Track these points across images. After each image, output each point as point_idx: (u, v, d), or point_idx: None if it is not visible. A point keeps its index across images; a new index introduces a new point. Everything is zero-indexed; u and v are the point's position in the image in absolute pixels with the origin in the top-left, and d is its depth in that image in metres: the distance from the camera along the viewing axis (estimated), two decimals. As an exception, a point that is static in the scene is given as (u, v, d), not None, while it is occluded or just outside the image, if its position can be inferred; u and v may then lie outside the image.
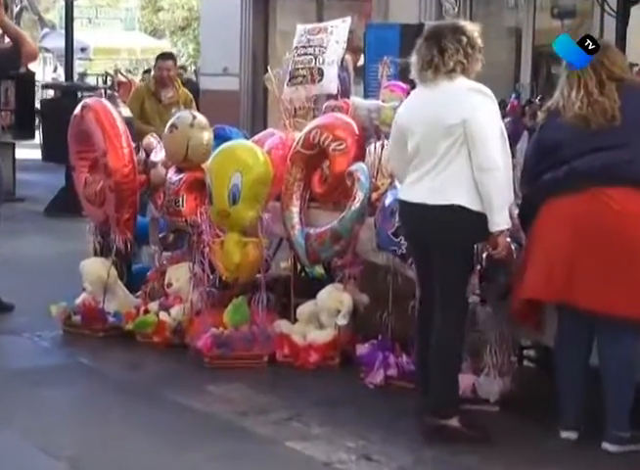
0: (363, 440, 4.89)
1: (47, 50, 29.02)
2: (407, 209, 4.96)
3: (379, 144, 6.10)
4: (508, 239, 4.85)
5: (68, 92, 12.69)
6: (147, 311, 6.44)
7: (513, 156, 5.43)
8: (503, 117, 5.50)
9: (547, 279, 4.70)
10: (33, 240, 10.02)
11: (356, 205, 5.83)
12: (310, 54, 6.82)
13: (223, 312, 6.12)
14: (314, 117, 6.59)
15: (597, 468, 4.66)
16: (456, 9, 12.11)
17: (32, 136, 13.59)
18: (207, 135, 6.46)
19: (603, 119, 4.67)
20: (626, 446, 4.71)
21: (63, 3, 15.27)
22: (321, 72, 6.76)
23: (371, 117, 6.11)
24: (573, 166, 4.66)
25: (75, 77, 16.66)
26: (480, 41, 4.86)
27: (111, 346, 6.38)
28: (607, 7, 9.37)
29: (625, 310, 4.61)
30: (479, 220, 4.73)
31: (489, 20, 12.58)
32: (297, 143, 6.19)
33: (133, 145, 6.77)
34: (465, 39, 4.81)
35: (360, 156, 6.06)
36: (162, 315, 6.35)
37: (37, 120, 14.58)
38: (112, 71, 21.97)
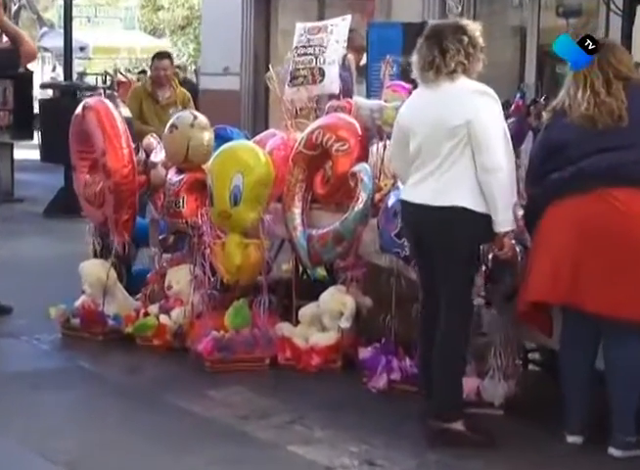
0: (366, 444, 4.89)
1: (46, 49, 29.03)
2: (409, 210, 4.96)
3: (382, 144, 6.09)
4: (513, 240, 4.85)
5: (67, 92, 12.68)
6: (147, 314, 6.44)
7: (517, 156, 5.44)
8: (508, 117, 5.50)
9: (553, 281, 4.70)
10: (32, 241, 10.02)
11: (359, 206, 5.83)
12: (310, 54, 6.82)
13: (224, 315, 6.12)
14: (316, 117, 6.59)
15: (603, 473, 4.67)
16: (460, 7, 12.11)
17: (31, 136, 13.59)
18: (208, 135, 6.46)
19: (610, 120, 4.66)
20: (632, 451, 4.71)
21: (61, 2, 15.30)
22: (322, 73, 6.76)
23: (373, 117, 6.11)
24: (580, 167, 4.65)
25: (74, 77, 16.65)
26: (481, 41, 4.86)
27: (110, 349, 6.38)
28: (612, 5, 9.37)
29: (632, 313, 4.60)
30: (482, 222, 4.73)
31: (493, 18, 12.58)
32: (300, 143, 6.19)
33: (133, 145, 6.77)
34: (466, 39, 4.81)
35: (363, 156, 6.06)
36: (163, 318, 6.35)
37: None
38: (111, 71, 22.02)
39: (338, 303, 5.93)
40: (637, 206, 4.61)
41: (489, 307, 5.20)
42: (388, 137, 5.55)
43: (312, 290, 6.26)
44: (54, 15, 33.72)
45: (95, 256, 6.83)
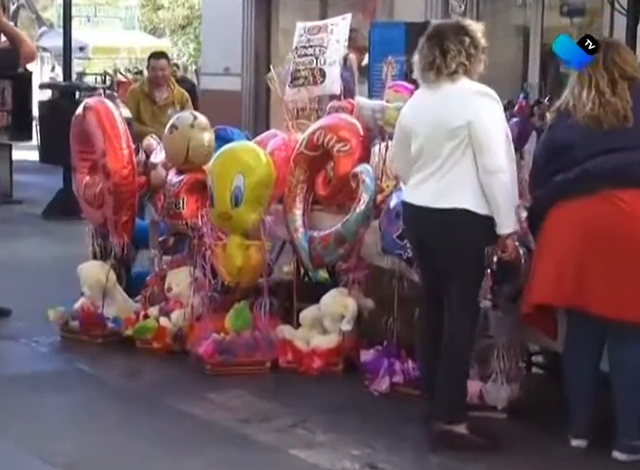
0: (368, 447, 4.89)
1: (45, 49, 29.02)
2: (411, 212, 4.97)
3: (384, 145, 6.09)
4: (516, 242, 4.86)
5: (67, 92, 12.68)
6: (147, 317, 6.44)
7: (521, 157, 5.45)
8: (511, 117, 5.51)
9: (557, 283, 4.70)
10: (31, 243, 10.03)
11: (361, 207, 5.83)
12: (311, 54, 6.82)
13: (225, 318, 6.12)
14: (318, 117, 6.59)
15: (607, 477, 4.67)
16: (462, 7, 12.11)
17: (30, 137, 13.59)
18: (208, 136, 6.47)
19: (615, 120, 4.66)
20: (637, 455, 4.70)
21: (61, 1, 15.30)
22: (323, 73, 6.76)
23: (375, 117, 6.11)
24: (585, 168, 4.65)
25: (74, 77, 16.66)
26: (483, 41, 4.87)
27: (109, 352, 6.38)
28: (617, 5, 9.36)
29: (637, 315, 4.60)
30: (485, 224, 4.74)
31: (496, 18, 12.57)
32: (301, 144, 6.19)
33: (133, 146, 6.77)
34: (468, 40, 4.82)
35: (365, 157, 6.06)
36: (163, 321, 6.35)
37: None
38: (111, 71, 22.02)
39: (339, 305, 5.93)
40: (643, 207, 4.61)
41: (496, 310, 5.20)
42: (390, 138, 5.55)
43: (314, 292, 6.26)
44: (53, 14, 33.74)
45: (94, 257, 6.83)
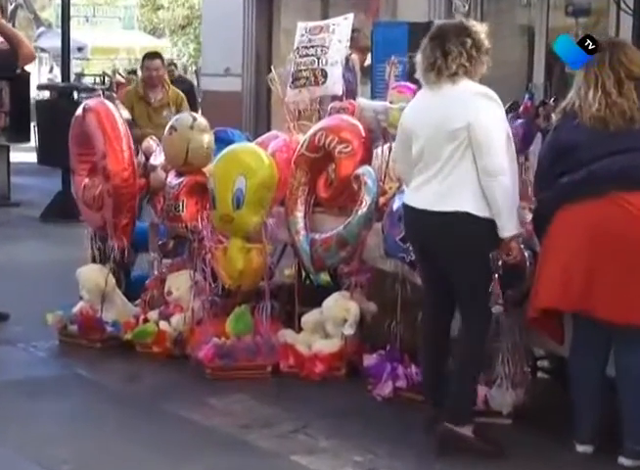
0: (371, 453, 4.89)
1: (43, 50, 29.06)
2: (411, 214, 4.98)
3: (386, 147, 6.09)
4: (522, 245, 4.85)
5: (65, 93, 12.69)
6: (146, 321, 6.44)
7: (526, 158, 5.44)
8: (516, 118, 5.51)
9: (563, 288, 4.69)
10: (29, 246, 10.03)
11: (363, 209, 5.83)
12: (312, 55, 6.82)
13: (225, 322, 6.12)
14: (319, 118, 6.59)
15: (613, 483, 4.67)
16: (466, 7, 12.10)
17: (28, 139, 13.61)
18: (208, 138, 6.47)
19: (621, 121, 4.66)
20: (644, 461, 4.71)
21: (59, 1, 15.29)
22: (324, 74, 6.76)
23: (378, 118, 6.11)
24: (591, 170, 4.64)
25: (72, 78, 16.67)
26: (486, 43, 4.88)
27: (109, 356, 6.38)
28: (623, 4, 9.36)
29: (644, 320, 4.60)
30: (487, 227, 4.74)
31: (501, 17, 12.57)
32: (302, 146, 6.19)
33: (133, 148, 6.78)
34: (469, 41, 4.82)
35: (367, 159, 6.06)
36: (162, 325, 6.35)
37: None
38: (110, 72, 22.04)
39: (341, 309, 5.93)
40: (650, 210, 4.60)
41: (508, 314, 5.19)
42: (394, 139, 5.55)
43: (315, 296, 6.25)
44: (51, 14, 33.77)
45: (93, 261, 6.83)
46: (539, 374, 5.88)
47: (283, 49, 14.44)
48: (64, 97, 12.58)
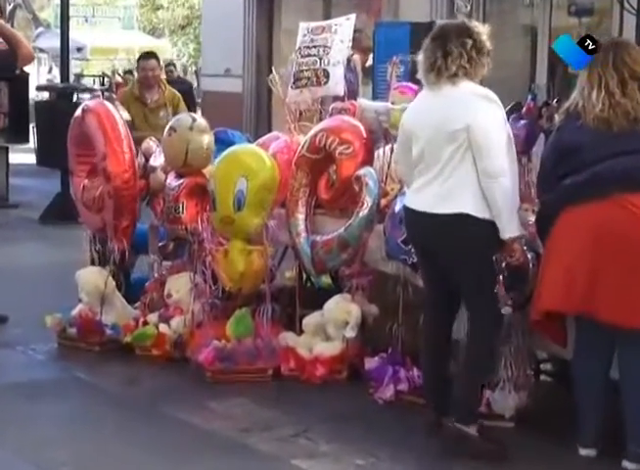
0: (372, 457, 4.89)
1: (42, 50, 29.10)
2: (412, 217, 4.99)
3: (387, 148, 6.10)
4: (525, 247, 4.86)
5: (64, 94, 12.69)
6: (146, 323, 6.44)
7: (529, 160, 5.44)
8: (519, 119, 5.51)
9: (567, 290, 4.69)
10: (28, 248, 10.03)
11: (364, 211, 5.83)
12: (314, 55, 6.82)
13: (226, 324, 6.12)
14: (320, 119, 6.60)
15: (617, 487, 4.67)
16: (468, 6, 12.11)
17: (26, 140, 13.62)
18: (208, 139, 6.47)
19: (625, 122, 4.66)
20: (647, 465, 4.71)
21: (58, 1, 15.30)
22: (326, 74, 6.76)
23: (379, 119, 6.11)
24: (595, 172, 4.64)
25: (71, 79, 16.68)
26: (488, 44, 4.88)
27: (108, 359, 6.38)
28: (626, 4, 9.37)
29: (648, 322, 4.60)
30: (487, 228, 4.75)
31: (503, 18, 12.58)
32: (303, 147, 6.19)
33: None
34: (470, 42, 4.83)
35: (368, 160, 6.06)
36: (162, 327, 6.35)
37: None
38: (109, 72, 22.06)
39: (343, 311, 5.93)
40: (654, 212, 4.60)
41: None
42: (395, 140, 5.56)
43: (316, 298, 6.26)
44: (50, 14, 33.80)
45: (93, 263, 6.83)
46: (542, 377, 5.88)
47: (284, 49, 14.45)
48: (63, 98, 12.58)
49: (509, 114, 5.55)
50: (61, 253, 9.04)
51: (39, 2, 36.02)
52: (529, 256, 4.93)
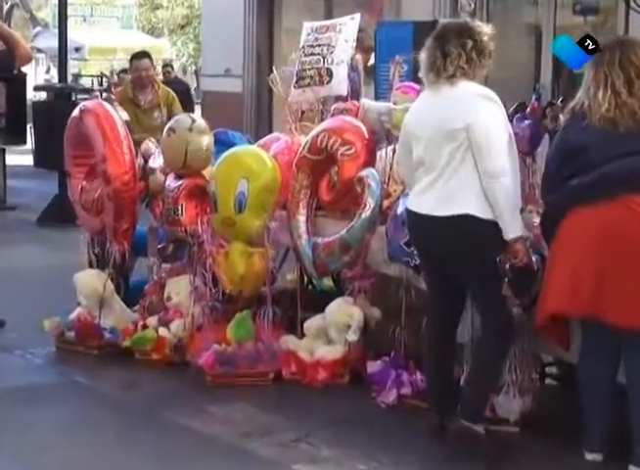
0: (375, 462, 4.89)
1: (39, 50, 29.13)
2: (414, 219, 5.00)
3: (390, 149, 6.10)
4: (530, 249, 4.86)
5: (62, 94, 12.70)
6: (145, 327, 6.44)
7: (533, 160, 5.45)
8: (523, 119, 5.51)
9: (573, 293, 4.68)
10: (25, 251, 10.03)
11: (367, 213, 5.83)
12: (318, 54, 6.82)
13: (226, 328, 6.12)
14: (322, 119, 6.60)
15: (623, 492, 4.67)
16: (472, 5, 12.11)
17: (24, 141, 13.62)
18: (207, 140, 6.47)
19: (632, 122, 4.65)
20: (655, 470, 4.70)
21: (56, 0, 15.31)
22: (330, 73, 6.76)
23: (381, 119, 6.11)
24: (601, 172, 4.63)
25: (69, 79, 16.70)
26: (489, 46, 4.89)
27: (107, 363, 6.38)
28: (632, 3, 9.37)
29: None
30: (491, 229, 4.75)
31: (507, 16, 12.58)
32: (304, 148, 6.19)
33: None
34: (470, 43, 4.84)
35: (370, 161, 6.06)
36: (162, 331, 6.35)
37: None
38: (107, 72, 22.08)
39: (345, 314, 5.93)
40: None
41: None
42: (397, 141, 5.56)
43: (318, 301, 6.26)
44: (48, 14, 33.85)
45: (91, 266, 6.84)
46: (547, 381, 5.88)
47: (284, 49, 14.45)
48: (61, 98, 12.60)
49: (513, 114, 5.56)
50: (59, 255, 9.04)
51: (37, 1, 36.06)
52: (534, 258, 4.93)
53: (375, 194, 5.82)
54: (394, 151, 5.98)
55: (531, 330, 5.05)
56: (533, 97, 5.72)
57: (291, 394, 5.84)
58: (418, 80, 5.42)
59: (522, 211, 4.95)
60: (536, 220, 5.06)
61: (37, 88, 16.56)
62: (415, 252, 5.30)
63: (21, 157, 15.25)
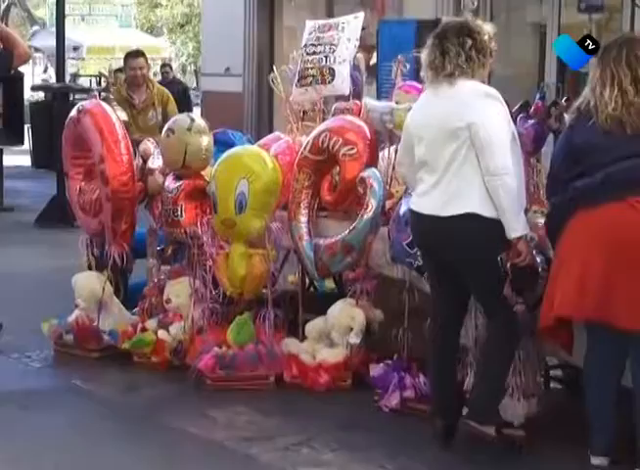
0: (378, 467, 4.89)
1: (37, 49, 29.14)
2: (419, 220, 4.99)
3: (392, 148, 6.09)
4: (533, 251, 4.85)
5: (60, 94, 12.71)
6: (144, 330, 6.44)
7: (538, 160, 5.44)
8: (527, 118, 5.51)
9: (579, 296, 4.66)
10: (23, 252, 10.03)
11: (369, 214, 5.82)
12: (320, 52, 6.81)
13: (226, 330, 6.12)
14: (323, 119, 6.59)
15: (630, 497, 4.66)
16: (475, 3, 12.11)
17: (21, 142, 13.63)
18: (206, 140, 6.47)
19: (639, 122, 4.64)
20: (661, 474, 4.69)
21: (54, -1, 15.32)
22: (332, 72, 6.75)
23: (383, 119, 6.10)
24: (608, 173, 4.61)
25: (67, 78, 16.70)
26: (490, 45, 4.89)
27: (105, 367, 6.38)
28: (637, 0, 9.36)
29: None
30: (495, 227, 4.75)
31: (511, 15, 12.58)
32: (305, 148, 6.19)
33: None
34: (470, 42, 4.84)
35: (372, 161, 6.06)
36: (161, 334, 6.35)
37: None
38: (106, 72, 22.08)
39: (347, 317, 5.93)
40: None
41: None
42: (400, 141, 5.55)
43: (320, 303, 6.26)
44: (45, 13, 33.87)
45: (90, 268, 6.83)
46: (552, 384, 5.87)
47: (285, 48, 14.46)
48: (59, 98, 12.60)
49: (517, 113, 5.55)
50: (57, 257, 9.05)
51: (34, 0, 36.08)
52: (539, 259, 4.93)
53: (377, 195, 5.82)
54: (397, 151, 5.97)
55: (536, 332, 5.04)
56: (538, 96, 5.71)
57: (292, 397, 5.84)
58: (421, 79, 5.42)
59: (526, 211, 4.95)
60: (541, 221, 5.06)
61: (35, 88, 16.57)
62: (418, 253, 5.30)
63: (18, 157, 15.26)
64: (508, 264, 4.82)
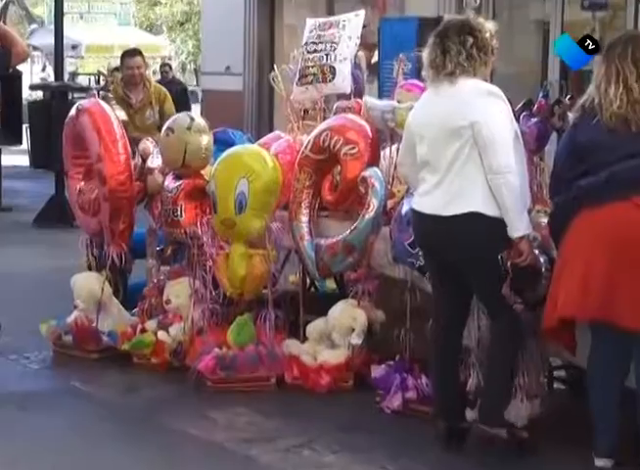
0: (380, 468, 4.88)
1: (35, 48, 29.13)
2: (421, 220, 5.00)
3: (394, 148, 6.09)
4: (536, 251, 4.85)
5: (59, 93, 12.71)
6: (144, 330, 6.44)
7: (541, 159, 5.44)
8: (531, 117, 5.51)
9: (583, 296, 4.66)
10: (21, 252, 10.03)
11: (370, 214, 5.82)
12: (321, 51, 6.81)
13: (227, 331, 6.12)
14: (324, 118, 6.59)
15: (634, 499, 4.67)
16: (478, 1, 12.11)
17: (20, 141, 13.64)
18: (206, 139, 6.47)
19: (644, 120, 4.64)
20: (666, 476, 4.70)
21: (52, -3, 15.32)
22: (333, 71, 6.75)
23: (385, 118, 6.10)
24: (613, 172, 4.61)
25: (66, 77, 16.69)
26: (492, 43, 4.89)
27: (105, 368, 6.38)
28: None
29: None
30: (498, 226, 4.75)
31: (514, 12, 12.58)
32: (306, 147, 6.19)
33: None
34: (470, 40, 4.85)
35: (374, 160, 6.06)
36: (161, 335, 6.35)
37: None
38: (105, 71, 22.08)
39: (348, 317, 5.93)
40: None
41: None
42: (402, 140, 5.56)
43: (321, 304, 6.26)
44: (44, 11, 33.88)
45: (89, 268, 6.83)
46: (556, 385, 5.87)
47: (286, 46, 14.46)
48: (57, 97, 12.60)
49: (520, 111, 5.56)
50: (55, 257, 9.05)
51: (32, -2, 36.10)
52: (542, 259, 4.92)
53: (379, 194, 5.82)
54: (399, 150, 5.97)
55: (539, 333, 5.04)
56: (541, 94, 5.71)
57: (293, 399, 5.84)
58: (422, 78, 5.42)
59: (529, 211, 4.95)
60: (544, 221, 5.06)
61: (33, 87, 16.57)
62: (420, 253, 5.30)
63: (16, 157, 15.26)
64: (508, 263, 4.83)
